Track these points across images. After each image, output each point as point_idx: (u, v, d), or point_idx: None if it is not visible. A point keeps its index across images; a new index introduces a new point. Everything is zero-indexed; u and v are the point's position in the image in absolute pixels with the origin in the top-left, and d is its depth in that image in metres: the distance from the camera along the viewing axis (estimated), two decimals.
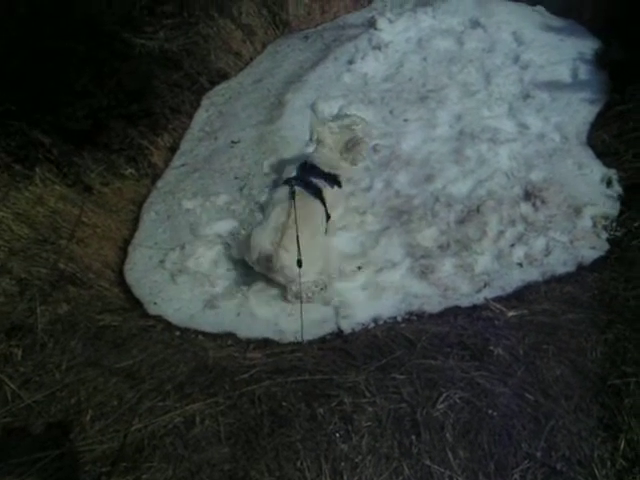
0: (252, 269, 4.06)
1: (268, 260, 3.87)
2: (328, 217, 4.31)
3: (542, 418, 2.66)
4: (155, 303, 4.11)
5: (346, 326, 3.71)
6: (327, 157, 4.48)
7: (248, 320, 3.89)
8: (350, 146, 4.50)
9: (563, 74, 5.68)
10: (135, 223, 4.86)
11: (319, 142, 4.53)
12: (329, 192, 4.33)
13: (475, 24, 6.51)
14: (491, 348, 3.10)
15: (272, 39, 7.23)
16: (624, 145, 4.74)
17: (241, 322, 3.88)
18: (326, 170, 4.38)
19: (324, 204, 4.26)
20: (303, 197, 4.14)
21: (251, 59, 6.90)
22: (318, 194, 4.25)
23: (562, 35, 6.21)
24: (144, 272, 4.37)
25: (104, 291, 4.14)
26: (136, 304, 4.14)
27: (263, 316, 3.91)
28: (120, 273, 4.43)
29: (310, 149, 4.86)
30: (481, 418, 2.67)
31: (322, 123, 4.61)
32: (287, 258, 3.81)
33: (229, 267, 4.31)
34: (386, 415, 2.72)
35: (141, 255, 4.52)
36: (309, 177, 4.33)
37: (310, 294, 3.92)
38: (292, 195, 4.08)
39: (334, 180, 4.41)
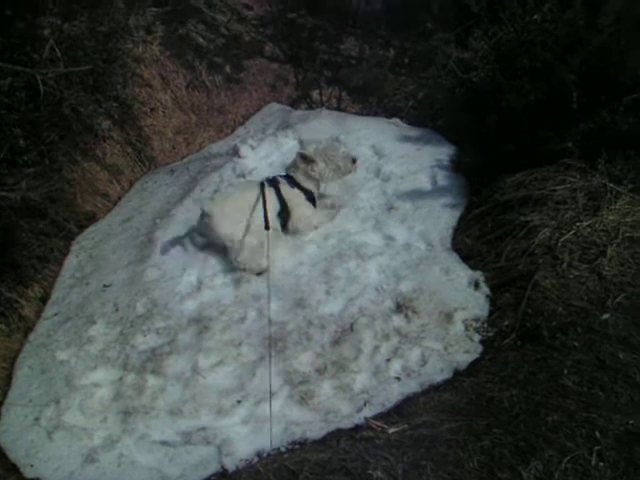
0: (132, 414, 4.04)
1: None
2: (285, 207, 5.37)
3: None
4: (32, 465, 3.96)
5: (230, 464, 3.70)
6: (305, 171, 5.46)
7: (130, 470, 3.81)
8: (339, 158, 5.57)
9: (423, 182, 6.00)
10: (8, 381, 4.68)
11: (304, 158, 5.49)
12: (287, 189, 5.37)
13: (335, 141, 6.77)
14: (370, 471, 3.12)
15: (139, 176, 7.28)
16: (486, 246, 5.03)
17: (123, 473, 3.80)
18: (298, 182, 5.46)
19: (280, 195, 5.30)
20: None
21: (119, 198, 6.91)
22: (274, 184, 5.34)
23: (419, 144, 6.58)
24: (19, 433, 4.21)
25: None
26: (12, 469, 3.96)
27: (145, 464, 3.84)
28: None
29: None
30: None
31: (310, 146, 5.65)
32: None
33: (107, 417, 4.20)
34: None
35: (15, 415, 4.36)
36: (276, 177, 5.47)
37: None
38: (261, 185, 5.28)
39: (295, 183, 5.43)
